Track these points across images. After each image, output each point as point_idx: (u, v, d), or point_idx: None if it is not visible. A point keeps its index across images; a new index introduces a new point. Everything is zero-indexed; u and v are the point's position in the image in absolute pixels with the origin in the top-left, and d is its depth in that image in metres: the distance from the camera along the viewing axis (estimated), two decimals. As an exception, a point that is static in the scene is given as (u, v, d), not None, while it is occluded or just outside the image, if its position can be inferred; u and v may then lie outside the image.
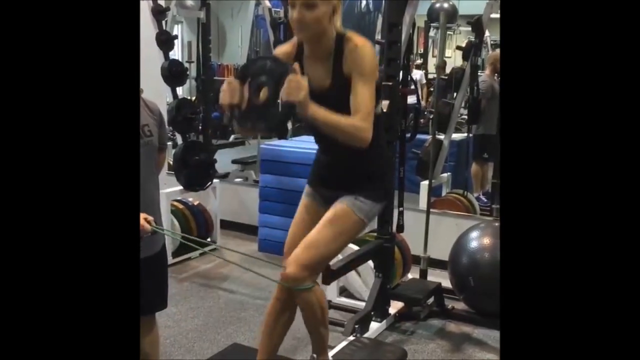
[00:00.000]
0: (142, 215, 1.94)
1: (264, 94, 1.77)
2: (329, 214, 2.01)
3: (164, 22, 4.10)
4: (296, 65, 1.77)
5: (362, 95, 1.83)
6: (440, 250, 3.61)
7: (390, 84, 3.02)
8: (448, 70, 4.96)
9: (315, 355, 2.21)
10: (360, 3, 11.74)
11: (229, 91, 1.78)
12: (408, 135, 3.67)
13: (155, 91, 3.40)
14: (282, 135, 5.38)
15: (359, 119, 1.82)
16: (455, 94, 4.66)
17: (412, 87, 3.78)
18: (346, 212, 1.99)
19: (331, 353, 2.56)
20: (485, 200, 5.10)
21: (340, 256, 3.15)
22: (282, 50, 2.04)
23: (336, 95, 1.87)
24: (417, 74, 8.05)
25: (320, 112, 1.78)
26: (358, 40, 1.88)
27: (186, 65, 4.51)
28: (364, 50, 1.86)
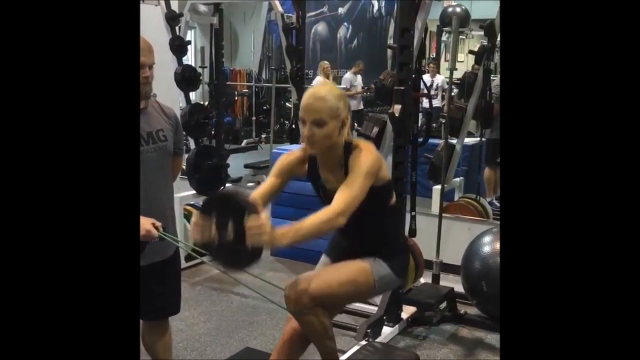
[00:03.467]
0: (150, 221, 1.93)
1: (230, 234, 1.68)
2: (348, 262, 2.00)
3: (177, 28, 4.13)
4: (255, 204, 1.71)
5: (346, 191, 1.80)
6: (453, 254, 3.60)
7: (402, 88, 3.02)
8: (460, 74, 4.94)
9: None
10: (372, 8, 11.77)
11: (198, 230, 1.73)
12: (420, 139, 3.66)
13: (168, 96, 3.43)
14: (294, 140, 5.41)
15: (332, 210, 1.78)
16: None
17: (425, 91, 3.78)
18: (363, 268, 1.98)
19: (343, 357, 2.55)
20: (498, 204, 5.08)
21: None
22: (293, 155, 2.04)
23: None
24: (438, 79, 8.08)
25: (289, 236, 1.72)
26: (363, 145, 1.91)
27: (199, 70, 4.54)
28: (365, 152, 1.88)
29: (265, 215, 1.66)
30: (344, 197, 1.80)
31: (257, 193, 1.94)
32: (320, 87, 1.88)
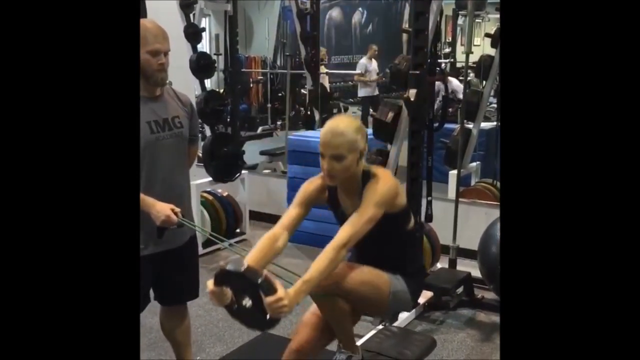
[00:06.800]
0: (169, 206, 1.95)
1: (247, 304, 1.75)
2: (371, 268, 1.99)
3: (191, 16, 4.14)
4: (267, 276, 1.74)
5: (351, 223, 1.83)
6: (470, 239, 3.59)
7: (418, 72, 3.01)
8: (477, 58, 4.89)
9: (341, 345, 2.22)
10: (387, -8, 11.65)
11: (216, 299, 1.81)
12: (436, 124, 3.64)
13: (183, 84, 3.44)
14: (310, 126, 5.41)
15: (332, 247, 1.81)
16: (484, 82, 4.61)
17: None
18: (383, 277, 1.99)
19: (360, 342, 2.56)
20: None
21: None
22: (314, 184, 2.03)
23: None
24: (454, 83, 7.30)
25: (303, 290, 1.75)
26: (380, 173, 1.94)
27: (214, 57, 4.54)
28: (381, 182, 1.89)
29: (281, 288, 1.69)
30: (347, 230, 1.84)
31: (281, 224, 1.96)
32: (338, 121, 1.91)
